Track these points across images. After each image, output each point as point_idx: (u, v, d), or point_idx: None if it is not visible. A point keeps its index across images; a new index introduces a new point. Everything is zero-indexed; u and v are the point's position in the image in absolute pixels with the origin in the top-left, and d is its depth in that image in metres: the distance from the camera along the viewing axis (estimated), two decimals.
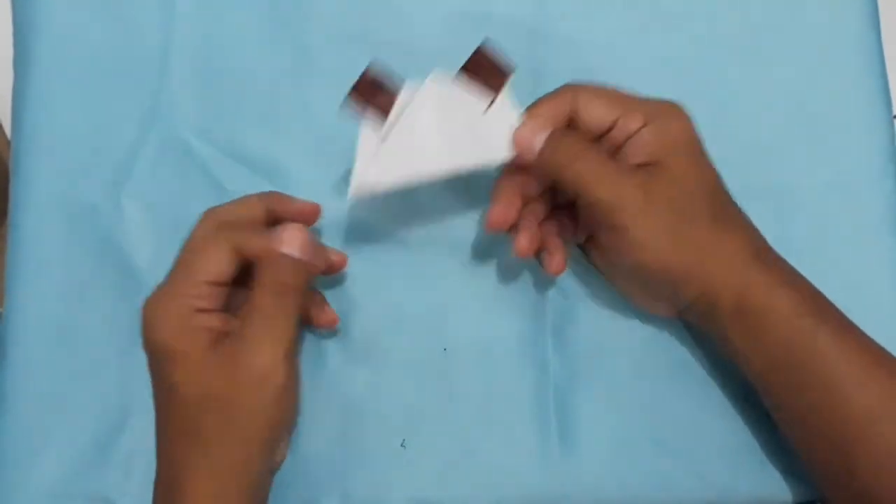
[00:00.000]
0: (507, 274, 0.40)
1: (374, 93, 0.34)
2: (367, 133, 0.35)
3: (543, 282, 0.40)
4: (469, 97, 0.35)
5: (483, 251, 0.40)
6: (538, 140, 0.34)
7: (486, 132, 0.35)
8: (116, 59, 0.41)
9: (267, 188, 0.40)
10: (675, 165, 0.34)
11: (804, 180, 0.41)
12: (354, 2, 0.42)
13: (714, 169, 0.36)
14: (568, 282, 0.40)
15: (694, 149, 0.35)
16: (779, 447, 0.38)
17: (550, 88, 0.41)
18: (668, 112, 0.35)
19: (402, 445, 0.38)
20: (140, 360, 0.38)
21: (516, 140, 0.35)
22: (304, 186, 0.40)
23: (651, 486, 0.38)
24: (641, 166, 0.34)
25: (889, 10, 0.44)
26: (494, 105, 0.35)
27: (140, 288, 0.39)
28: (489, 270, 0.40)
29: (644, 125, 0.34)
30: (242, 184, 0.40)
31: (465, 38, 0.42)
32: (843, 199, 0.41)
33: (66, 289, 0.39)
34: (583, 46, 0.42)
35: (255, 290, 0.33)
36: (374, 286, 0.39)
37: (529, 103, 0.41)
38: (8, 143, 0.42)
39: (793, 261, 0.40)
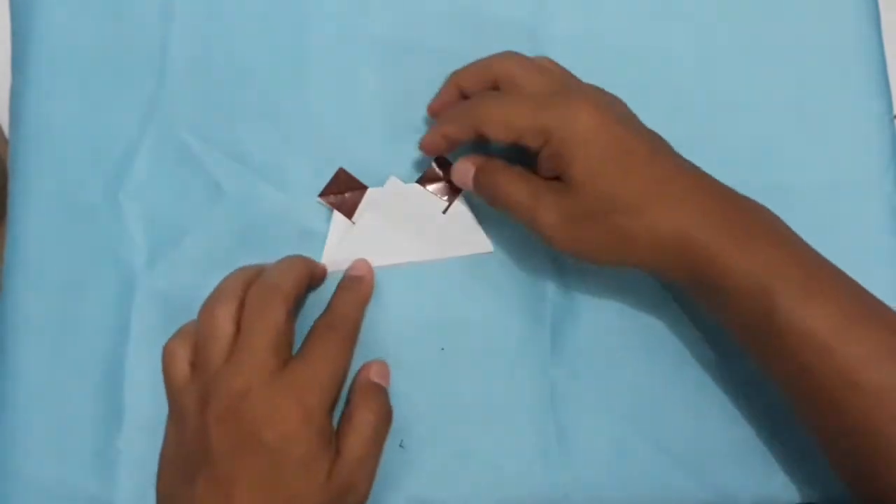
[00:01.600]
0: (506, 273, 0.40)
1: (343, 191, 0.40)
2: (339, 220, 0.39)
3: (543, 282, 0.40)
4: (430, 198, 0.40)
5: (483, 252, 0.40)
6: (470, 175, 0.37)
7: (445, 230, 0.40)
8: (115, 59, 0.41)
9: (265, 188, 0.40)
10: (580, 174, 0.33)
11: (804, 180, 0.41)
12: (354, 2, 0.42)
13: (645, 140, 0.34)
14: (567, 282, 0.40)
15: (600, 145, 0.33)
16: (779, 448, 0.38)
17: None
18: (569, 119, 0.33)
19: (400, 445, 0.38)
20: (140, 359, 0.38)
21: (455, 177, 0.38)
22: (303, 186, 0.40)
23: (650, 487, 0.38)
24: (555, 180, 0.34)
25: (889, 9, 0.44)
26: (452, 207, 0.40)
27: (137, 288, 0.39)
28: (488, 270, 0.40)
29: (544, 144, 0.34)
30: (241, 184, 0.40)
31: (465, 37, 0.42)
32: (843, 198, 0.41)
33: (64, 288, 0.39)
34: (583, 46, 0.42)
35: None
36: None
37: None
38: (6, 142, 0.42)
39: None
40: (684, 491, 0.38)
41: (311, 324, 0.35)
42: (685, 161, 0.35)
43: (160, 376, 0.35)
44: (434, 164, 0.40)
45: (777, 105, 0.42)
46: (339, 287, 0.37)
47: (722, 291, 0.32)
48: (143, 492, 0.37)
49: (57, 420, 0.38)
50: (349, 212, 0.40)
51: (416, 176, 0.40)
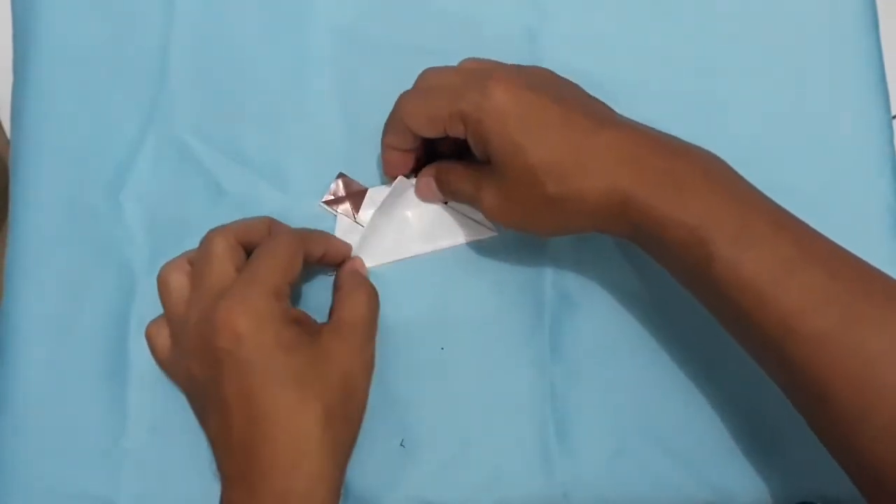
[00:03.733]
0: (506, 273, 0.40)
1: (344, 195, 0.40)
2: (343, 222, 0.40)
3: (542, 281, 0.40)
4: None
5: (481, 250, 0.40)
6: (432, 186, 0.39)
7: (450, 219, 0.40)
8: (116, 59, 0.41)
9: (265, 189, 0.40)
10: (500, 153, 0.33)
11: (802, 180, 0.41)
12: (354, 2, 0.42)
13: (560, 102, 0.33)
14: (566, 281, 0.40)
15: (513, 119, 0.32)
16: (779, 448, 0.38)
17: None
18: (482, 100, 0.33)
19: (401, 445, 0.38)
20: (141, 359, 0.38)
21: (420, 193, 0.39)
22: (303, 187, 0.40)
23: (649, 486, 0.38)
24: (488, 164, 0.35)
25: (888, 10, 0.44)
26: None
27: (138, 288, 0.39)
28: (487, 270, 0.40)
29: (465, 130, 0.34)
30: (241, 184, 0.40)
31: (465, 39, 0.42)
32: (842, 199, 0.41)
33: (65, 288, 0.39)
34: (581, 46, 0.42)
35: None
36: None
37: None
38: (8, 142, 0.42)
39: None
40: (684, 490, 0.38)
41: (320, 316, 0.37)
42: (609, 115, 0.34)
43: (162, 375, 0.35)
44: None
45: (776, 106, 0.42)
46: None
47: (662, 243, 0.32)
48: (146, 491, 0.37)
49: (58, 420, 0.38)
50: (352, 214, 0.40)
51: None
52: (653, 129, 0.34)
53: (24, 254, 0.39)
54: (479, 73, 0.35)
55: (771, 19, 0.43)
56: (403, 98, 0.36)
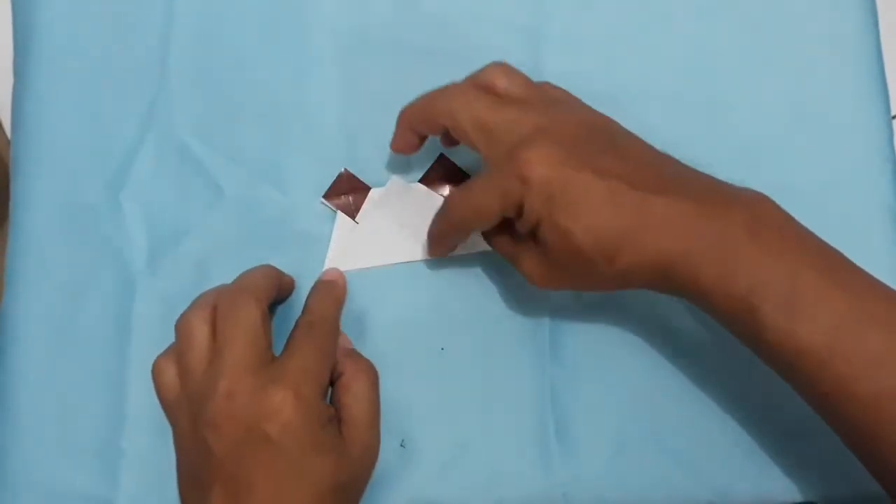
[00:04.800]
0: (505, 273, 0.40)
1: (346, 193, 0.40)
2: (343, 221, 0.40)
3: None
4: (432, 197, 0.40)
5: (481, 250, 0.40)
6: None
7: None
8: (116, 59, 0.41)
9: (265, 189, 0.40)
10: (547, 236, 0.32)
11: (802, 180, 0.41)
12: (354, 2, 0.42)
13: (605, 173, 0.32)
14: None
15: (557, 200, 0.31)
16: (778, 448, 0.38)
17: None
18: (525, 186, 0.32)
19: (401, 445, 0.38)
20: (141, 359, 0.38)
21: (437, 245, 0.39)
22: (303, 188, 0.40)
23: (649, 486, 0.38)
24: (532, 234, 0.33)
25: (888, 10, 0.44)
26: None
27: (138, 288, 0.39)
28: (487, 270, 0.40)
29: (515, 212, 0.33)
30: (241, 185, 0.40)
31: (464, 38, 0.42)
32: (842, 199, 0.41)
33: (65, 289, 0.39)
34: (581, 46, 0.42)
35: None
36: (372, 286, 0.39)
37: None
38: (8, 143, 0.42)
39: None
40: (684, 490, 0.38)
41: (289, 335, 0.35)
42: (650, 169, 0.33)
43: None
44: (436, 163, 0.40)
45: (776, 105, 0.42)
46: (313, 290, 0.38)
47: (710, 309, 0.32)
48: (145, 491, 0.37)
49: (58, 420, 0.38)
50: (353, 212, 0.40)
51: (418, 175, 0.41)
52: (696, 175, 0.33)
53: (24, 254, 0.39)
54: (515, 132, 0.33)
55: (771, 19, 0.43)
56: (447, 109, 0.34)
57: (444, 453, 0.38)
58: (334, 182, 0.40)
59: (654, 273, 0.32)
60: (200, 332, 0.33)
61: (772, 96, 0.42)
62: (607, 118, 0.35)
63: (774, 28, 0.43)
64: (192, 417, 0.32)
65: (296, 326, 0.35)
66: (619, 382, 0.39)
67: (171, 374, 0.34)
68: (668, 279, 0.32)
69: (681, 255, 0.31)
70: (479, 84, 0.35)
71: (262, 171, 0.40)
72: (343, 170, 0.40)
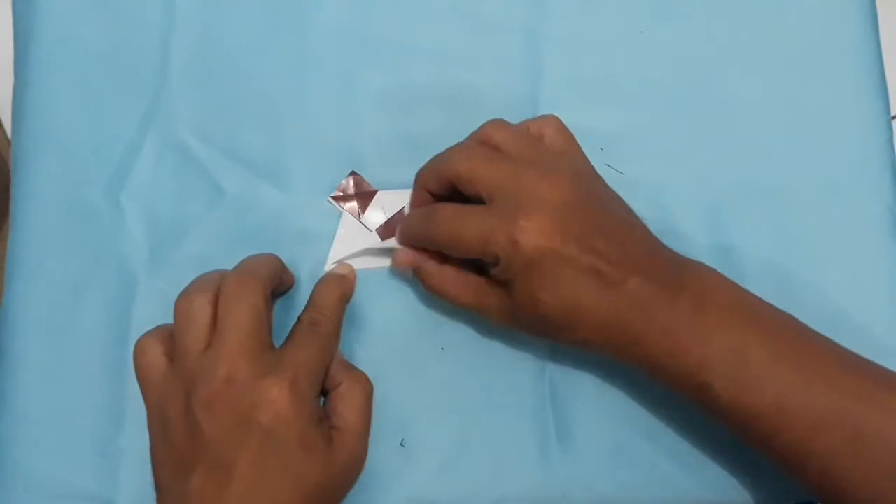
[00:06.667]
0: None
1: (353, 193, 0.40)
2: (348, 220, 0.40)
3: None
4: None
5: None
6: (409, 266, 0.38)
7: None
8: (116, 59, 0.41)
9: (265, 189, 0.40)
10: (521, 296, 0.34)
11: (802, 181, 0.41)
12: (354, 2, 0.42)
13: (599, 225, 0.33)
14: None
15: (545, 271, 0.33)
16: None
17: (548, 89, 0.42)
18: (513, 248, 0.33)
19: (401, 444, 0.38)
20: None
21: (397, 265, 0.39)
22: (303, 187, 0.40)
23: (648, 486, 0.38)
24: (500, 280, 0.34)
25: (888, 10, 0.44)
26: None
27: (138, 288, 0.39)
28: None
29: (486, 256, 0.34)
30: (241, 184, 0.40)
31: (464, 38, 0.42)
32: (842, 199, 0.41)
33: (65, 288, 0.39)
34: (581, 46, 0.42)
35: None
36: (372, 285, 0.39)
37: (528, 104, 0.41)
38: (8, 142, 0.42)
39: (791, 261, 0.40)
40: (683, 490, 0.38)
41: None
42: (633, 247, 0.34)
43: None
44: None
45: (776, 106, 0.42)
46: (321, 282, 0.37)
47: (665, 384, 0.34)
48: (145, 490, 0.37)
49: (58, 420, 0.38)
50: (358, 213, 0.40)
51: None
52: (659, 248, 0.35)
53: (24, 254, 0.39)
54: (514, 189, 0.34)
55: (771, 20, 0.43)
56: (436, 216, 0.35)
57: (444, 453, 0.38)
58: (342, 183, 0.40)
59: (612, 346, 0.34)
60: (202, 312, 0.33)
61: (772, 96, 0.42)
62: (597, 181, 0.36)
63: (774, 28, 0.43)
64: (183, 397, 0.32)
65: (299, 321, 0.35)
66: (619, 383, 0.39)
67: (156, 352, 0.34)
68: (625, 353, 0.34)
69: (639, 335, 0.33)
70: (479, 140, 0.36)
71: (263, 170, 0.40)
72: (351, 172, 0.40)
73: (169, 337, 0.34)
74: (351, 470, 0.34)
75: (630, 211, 0.36)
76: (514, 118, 0.37)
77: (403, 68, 0.42)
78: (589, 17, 0.43)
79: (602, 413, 0.39)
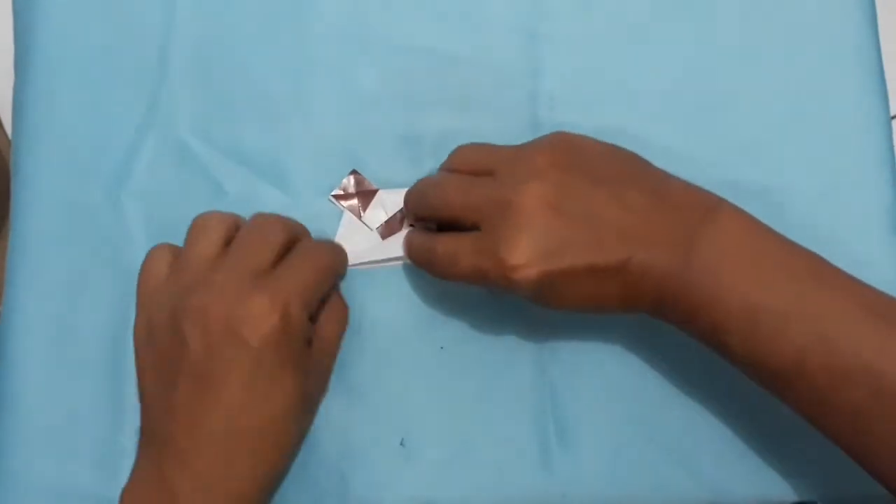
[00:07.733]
0: None
1: (354, 192, 0.40)
2: (348, 220, 0.40)
3: None
4: None
5: None
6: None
7: None
8: (116, 58, 0.41)
9: (266, 189, 0.40)
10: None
11: (801, 180, 0.41)
12: (354, 2, 0.42)
13: (598, 218, 0.33)
14: None
15: (541, 292, 0.33)
16: (778, 448, 0.38)
17: (548, 89, 0.42)
18: (508, 274, 0.32)
19: (401, 444, 0.38)
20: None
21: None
22: (303, 186, 0.40)
23: (648, 486, 0.38)
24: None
25: (887, 10, 0.44)
26: None
27: None
28: None
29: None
30: (241, 184, 0.40)
31: (464, 38, 0.42)
32: (841, 199, 0.41)
33: (65, 288, 0.39)
34: (581, 46, 0.42)
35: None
36: (373, 284, 0.39)
37: (528, 104, 0.41)
38: (9, 142, 0.42)
39: None
40: (683, 490, 0.38)
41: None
42: (614, 230, 0.33)
43: None
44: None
45: (775, 105, 0.42)
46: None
47: (689, 336, 0.34)
48: None
49: (58, 419, 0.38)
50: (359, 212, 0.40)
51: (417, 175, 0.40)
52: (659, 199, 0.33)
53: (24, 254, 0.40)
54: (490, 211, 0.33)
55: (770, 19, 0.43)
56: (433, 244, 0.36)
57: (445, 453, 0.38)
58: (343, 182, 0.40)
59: (632, 314, 0.34)
60: (216, 230, 0.34)
61: (772, 96, 0.42)
62: (581, 149, 0.35)
63: (774, 28, 0.43)
64: (172, 306, 0.32)
65: (298, 245, 0.35)
66: (619, 382, 0.39)
67: (162, 263, 0.34)
68: (646, 315, 0.34)
69: (653, 303, 0.33)
70: (449, 169, 0.36)
71: (263, 169, 0.40)
72: (352, 171, 0.40)
73: (180, 254, 0.34)
74: (327, 372, 0.37)
75: (624, 161, 0.35)
76: (514, 118, 0.37)
77: (404, 68, 0.42)
78: (588, 17, 0.43)
79: (602, 413, 0.39)
